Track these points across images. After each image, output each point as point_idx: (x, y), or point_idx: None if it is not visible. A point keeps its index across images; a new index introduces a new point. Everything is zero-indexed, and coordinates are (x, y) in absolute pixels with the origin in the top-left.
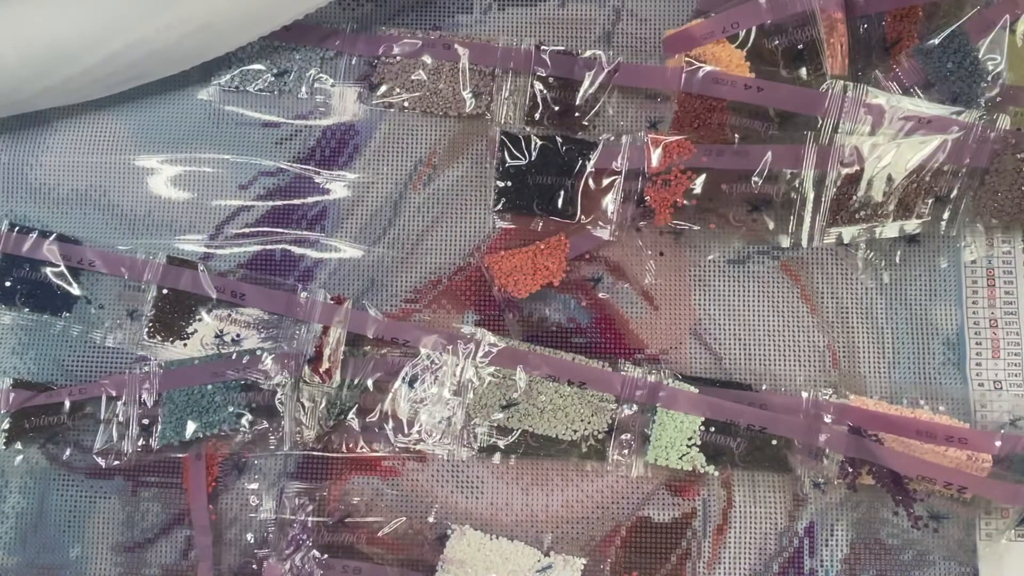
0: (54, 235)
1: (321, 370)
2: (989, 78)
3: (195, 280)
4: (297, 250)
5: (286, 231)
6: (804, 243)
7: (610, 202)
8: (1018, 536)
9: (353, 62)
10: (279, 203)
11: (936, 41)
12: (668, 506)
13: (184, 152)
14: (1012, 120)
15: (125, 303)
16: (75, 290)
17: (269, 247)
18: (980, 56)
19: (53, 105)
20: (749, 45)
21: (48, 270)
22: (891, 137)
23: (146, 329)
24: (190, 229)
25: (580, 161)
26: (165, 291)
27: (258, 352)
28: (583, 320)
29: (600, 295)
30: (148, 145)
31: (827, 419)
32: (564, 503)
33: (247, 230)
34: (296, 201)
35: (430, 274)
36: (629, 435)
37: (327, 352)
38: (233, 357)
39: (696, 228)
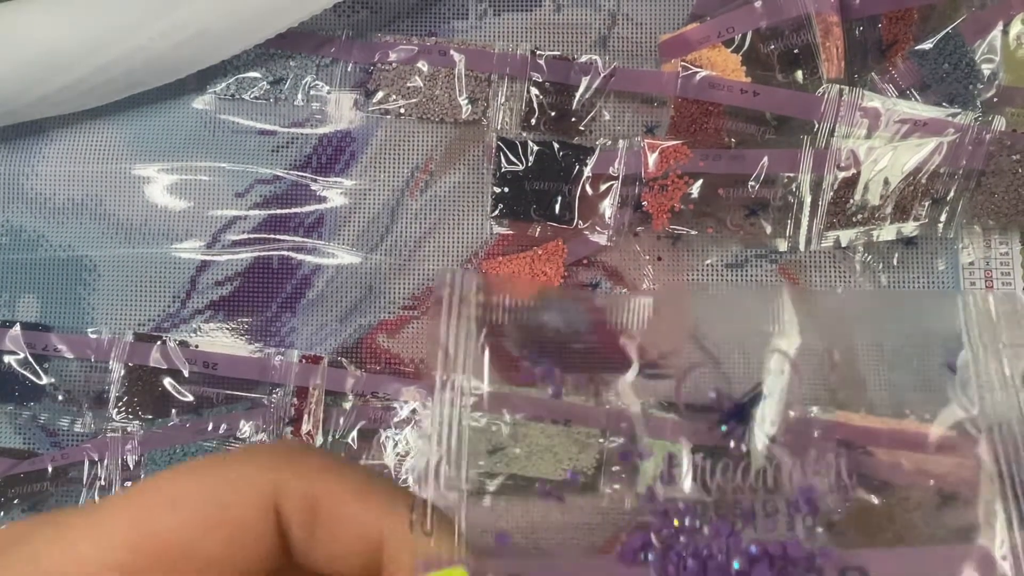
0: (17, 324)
1: (303, 432)
2: (985, 79)
3: (165, 355)
4: (294, 258)
5: (283, 238)
6: (802, 247)
7: (607, 207)
8: None
9: (349, 69)
10: (276, 211)
11: (932, 43)
12: None
13: (180, 161)
14: (1008, 121)
15: (91, 387)
16: (42, 379)
17: (266, 255)
18: (976, 58)
19: (47, 115)
20: (745, 49)
21: (11, 359)
22: (887, 140)
23: (115, 410)
24: (187, 237)
25: (577, 166)
26: (132, 366)
27: (236, 411)
28: (581, 325)
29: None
30: (144, 154)
31: (815, 434)
32: (564, 508)
33: (244, 238)
34: (293, 209)
35: (428, 281)
36: (619, 467)
37: (307, 415)
38: (210, 423)
39: (694, 233)
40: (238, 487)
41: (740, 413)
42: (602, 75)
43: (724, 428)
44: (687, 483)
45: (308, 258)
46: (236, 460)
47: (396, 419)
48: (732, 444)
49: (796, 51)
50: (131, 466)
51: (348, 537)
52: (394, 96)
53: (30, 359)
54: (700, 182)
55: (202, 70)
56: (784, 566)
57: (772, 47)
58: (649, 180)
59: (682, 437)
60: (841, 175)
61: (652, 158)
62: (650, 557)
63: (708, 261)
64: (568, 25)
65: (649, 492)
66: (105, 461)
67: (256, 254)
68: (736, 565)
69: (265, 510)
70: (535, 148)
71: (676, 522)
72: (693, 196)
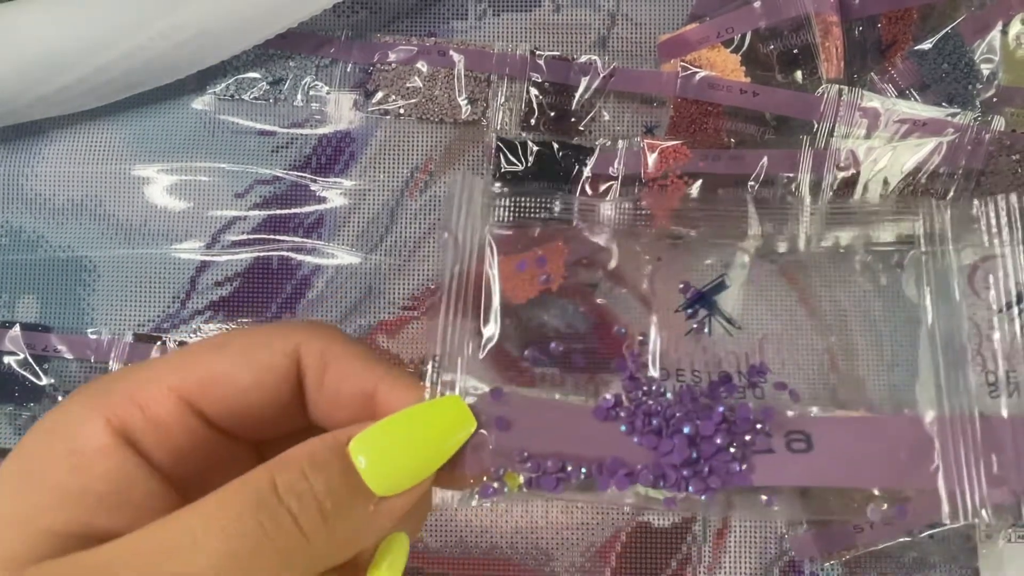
0: (17, 324)
1: None
2: (984, 79)
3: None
4: (294, 258)
5: (283, 239)
6: (801, 247)
7: (607, 208)
8: (1018, 538)
9: (348, 69)
10: (276, 211)
11: (931, 43)
12: (668, 511)
13: (180, 161)
14: (1007, 121)
15: None
16: (42, 380)
17: (266, 255)
18: (975, 58)
19: (48, 115)
20: (744, 49)
21: (11, 360)
22: (887, 140)
23: None
24: (187, 238)
25: (577, 167)
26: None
27: None
28: (581, 325)
29: (598, 300)
30: (144, 154)
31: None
32: (563, 508)
33: (244, 238)
34: (293, 209)
35: (427, 281)
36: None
37: None
38: None
39: (693, 233)
40: (269, 339)
41: (703, 300)
42: (602, 75)
43: (689, 311)
44: (655, 357)
45: (308, 258)
46: (270, 325)
47: None
48: (695, 325)
49: (795, 51)
50: None
51: (349, 387)
52: (394, 96)
53: (30, 359)
54: (699, 182)
55: (202, 70)
56: (733, 427)
57: (771, 47)
58: (649, 180)
59: (652, 319)
60: (840, 175)
61: (652, 158)
62: (621, 415)
63: (708, 261)
64: (568, 25)
65: (621, 362)
66: None
67: (256, 254)
68: (689, 427)
69: (288, 357)
70: (535, 148)
71: (643, 388)
72: (693, 196)
